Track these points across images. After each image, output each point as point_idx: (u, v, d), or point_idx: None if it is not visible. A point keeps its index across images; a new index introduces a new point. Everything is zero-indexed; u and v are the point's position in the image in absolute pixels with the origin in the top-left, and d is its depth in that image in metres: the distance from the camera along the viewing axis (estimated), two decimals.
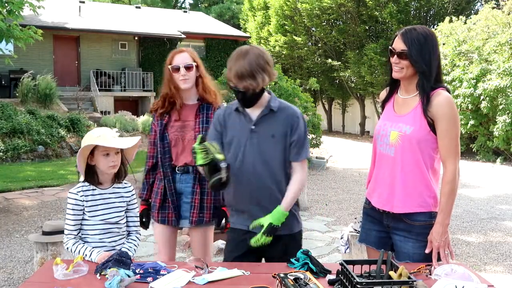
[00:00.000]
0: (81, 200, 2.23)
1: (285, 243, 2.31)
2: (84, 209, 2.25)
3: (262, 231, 2.17)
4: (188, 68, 2.62)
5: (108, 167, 2.25)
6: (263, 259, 2.42)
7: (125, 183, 2.41)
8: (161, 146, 2.66)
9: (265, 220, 2.20)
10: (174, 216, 2.68)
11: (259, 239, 2.18)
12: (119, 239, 2.33)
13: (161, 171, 2.68)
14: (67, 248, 2.24)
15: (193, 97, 2.72)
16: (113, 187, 2.33)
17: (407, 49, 2.09)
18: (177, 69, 2.61)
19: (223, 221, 2.81)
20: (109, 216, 2.29)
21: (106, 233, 2.29)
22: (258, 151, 2.26)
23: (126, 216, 2.38)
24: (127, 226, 2.39)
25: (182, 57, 2.63)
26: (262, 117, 2.28)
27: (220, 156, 2.11)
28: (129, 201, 2.39)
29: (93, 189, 2.27)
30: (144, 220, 2.75)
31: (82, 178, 2.28)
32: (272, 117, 2.28)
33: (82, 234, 2.28)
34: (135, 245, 2.39)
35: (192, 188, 2.66)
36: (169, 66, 2.63)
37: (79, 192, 2.24)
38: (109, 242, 2.29)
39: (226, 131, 2.34)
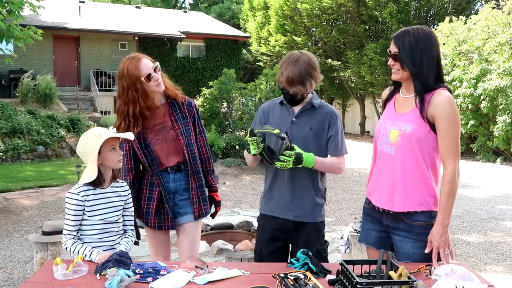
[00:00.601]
0: (82, 201, 2.23)
1: (308, 232, 2.50)
2: (84, 209, 2.25)
3: (295, 151, 2.31)
4: (155, 70, 2.51)
5: (117, 162, 2.28)
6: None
7: (121, 182, 2.41)
8: (147, 155, 2.58)
9: (299, 149, 2.34)
10: (171, 220, 2.66)
11: (287, 154, 2.28)
12: (118, 238, 2.34)
13: (152, 178, 2.61)
14: (66, 248, 2.23)
15: (160, 98, 2.61)
16: (112, 186, 2.34)
17: (398, 51, 2.14)
18: (149, 77, 2.46)
19: (212, 207, 2.82)
20: (109, 216, 2.29)
21: (105, 232, 2.29)
22: (298, 140, 2.43)
23: (122, 215, 2.39)
24: (123, 224, 2.40)
25: (145, 64, 2.47)
26: (303, 111, 2.51)
27: (276, 131, 2.30)
28: (126, 199, 2.40)
29: (93, 189, 2.27)
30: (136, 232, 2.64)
31: (85, 180, 2.24)
32: (312, 112, 2.51)
33: (80, 235, 2.27)
34: (132, 241, 2.41)
35: (188, 185, 2.65)
36: (142, 79, 2.43)
37: (80, 192, 2.23)
38: (108, 241, 2.29)
39: (269, 120, 2.56)
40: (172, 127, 2.61)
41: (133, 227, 2.45)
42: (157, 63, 2.55)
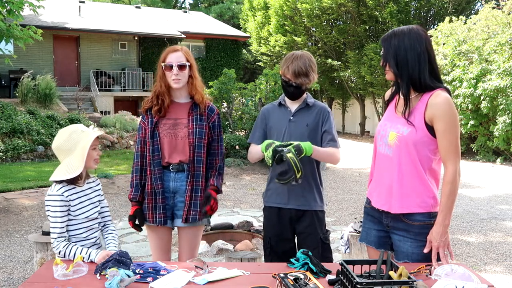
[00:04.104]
0: (66, 201, 2.22)
1: (311, 219, 2.71)
2: (69, 209, 2.24)
3: (293, 145, 2.45)
4: (181, 67, 2.60)
5: (95, 160, 2.33)
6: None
7: (92, 177, 2.45)
8: (151, 144, 2.63)
9: (295, 142, 2.50)
10: (166, 216, 2.64)
11: (290, 151, 2.42)
12: (98, 233, 2.40)
13: (149, 170, 2.64)
14: (59, 252, 2.21)
15: (185, 96, 2.71)
16: (87, 183, 2.37)
17: (383, 52, 2.19)
18: (170, 67, 2.59)
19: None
20: (91, 213, 2.33)
21: (90, 229, 2.33)
22: (295, 136, 2.67)
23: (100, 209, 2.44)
24: (102, 217, 2.45)
25: (176, 56, 2.61)
26: (300, 110, 2.76)
27: (277, 143, 2.49)
28: (100, 194, 2.44)
29: (74, 188, 2.28)
30: (137, 221, 2.65)
31: (65, 176, 2.21)
32: (307, 110, 2.76)
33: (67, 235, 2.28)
34: (116, 235, 2.47)
35: (186, 186, 2.64)
36: (162, 64, 2.61)
37: (63, 192, 2.22)
38: (92, 238, 2.34)
39: (269, 121, 2.82)
40: (186, 125, 2.65)
41: (111, 219, 2.52)
42: (188, 64, 2.64)
